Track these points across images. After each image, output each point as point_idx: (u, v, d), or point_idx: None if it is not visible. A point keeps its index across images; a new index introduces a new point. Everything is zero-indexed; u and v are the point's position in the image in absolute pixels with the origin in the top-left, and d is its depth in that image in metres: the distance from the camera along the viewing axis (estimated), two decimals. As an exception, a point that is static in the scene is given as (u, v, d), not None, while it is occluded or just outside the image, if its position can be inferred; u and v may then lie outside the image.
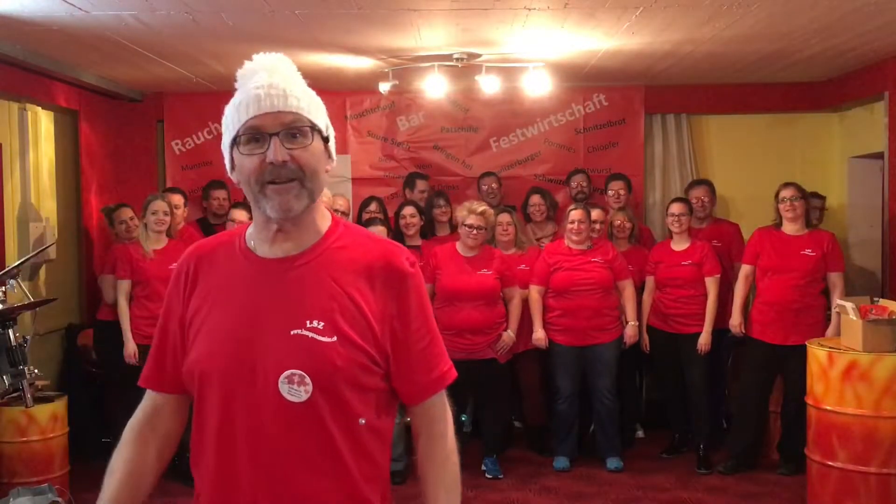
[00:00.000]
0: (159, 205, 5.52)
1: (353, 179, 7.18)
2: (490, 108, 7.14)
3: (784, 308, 5.44)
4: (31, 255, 5.09)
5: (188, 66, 5.91)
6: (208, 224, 6.48)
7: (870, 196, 6.76)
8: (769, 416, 5.75)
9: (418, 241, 6.08)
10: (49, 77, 5.88)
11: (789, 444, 5.52)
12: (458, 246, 5.62)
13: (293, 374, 1.62)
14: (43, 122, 6.08)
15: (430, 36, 5.10)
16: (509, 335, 5.58)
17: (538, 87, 6.03)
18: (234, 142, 1.67)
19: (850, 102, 6.75)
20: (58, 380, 6.01)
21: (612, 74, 6.57)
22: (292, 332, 1.64)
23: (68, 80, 6.07)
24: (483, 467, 5.59)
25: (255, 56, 1.71)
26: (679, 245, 5.89)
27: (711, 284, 5.75)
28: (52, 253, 5.93)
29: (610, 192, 6.56)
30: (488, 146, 7.23)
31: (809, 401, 4.83)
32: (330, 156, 1.74)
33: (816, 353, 4.76)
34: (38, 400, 4.77)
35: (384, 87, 6.13)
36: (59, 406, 5.13)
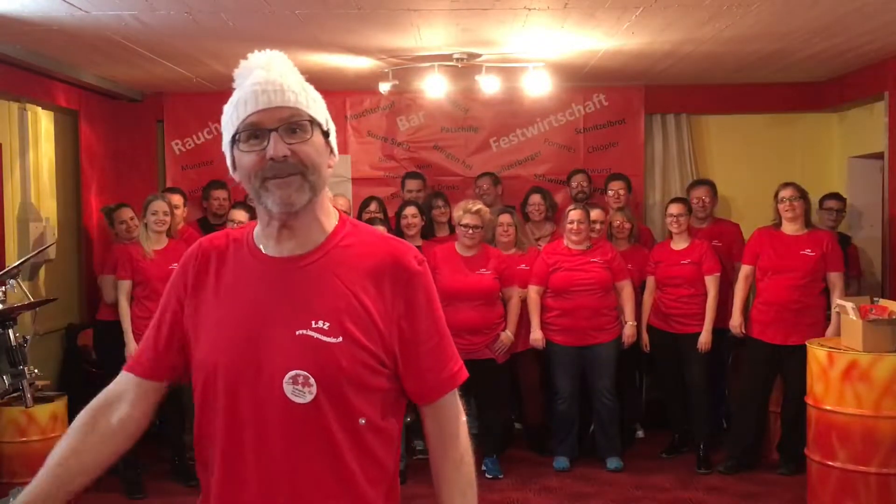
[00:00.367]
0: (159, 205, 5.51)
1: (353, 179, 7.19)
2: (490, 108, 7.14)
3: (784, 308, 5.44)
4: (31, 255, 5.10)
5: (188, 66, 5.91)
6: (208, 224, 6.48)
7: (870, 196, 6.76)
8: (769, 416, 5.75)
9: (419, 242, 6.08)
10: (49, 77, 5.88)
11: (789, 444, 5.51)
12: (457, 246, 5.63)
13: (298, 375, 1.61)
14: (43, 122, 6.08)
15: (430, 36, 5.10)
16: (507, 335, 5.58)
17: (538, 87, 6.03)
18: (234, 140, 1.67)
19: (850, 102, 6.75)
20: (58, 380, 6.01)
21: (612, 74, 6.57)
22: (298, 333, 1.63)
23: (68, 80, 6.07)
24: (483, 467, 5.59)
25: (250, 55, 1.71)
26: (679, 245, 5.89)
27: (711, 283, 5.75)
28: (52, 253, 5.93)
29: (610, 192, 6.56)
30: (488, 146, 7.23)
31: (809, 401, 4.83)
32: (332, 150, 1.73)
33: (816, 353, 4.76)
34: (38, 400, 4.78)
35: (384, 87, 6.13)
36: (59, 406, 5.13)
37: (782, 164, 7.01)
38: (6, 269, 4.49)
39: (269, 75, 1.65)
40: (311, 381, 1.61)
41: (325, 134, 1.71)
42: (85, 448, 1.70)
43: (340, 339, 1.63)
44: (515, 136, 7.23)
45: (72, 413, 5.24)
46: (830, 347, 4.73)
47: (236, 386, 1.65)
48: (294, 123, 1.64)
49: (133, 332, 5.39)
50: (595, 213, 5.95)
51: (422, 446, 5.52)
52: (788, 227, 5.53)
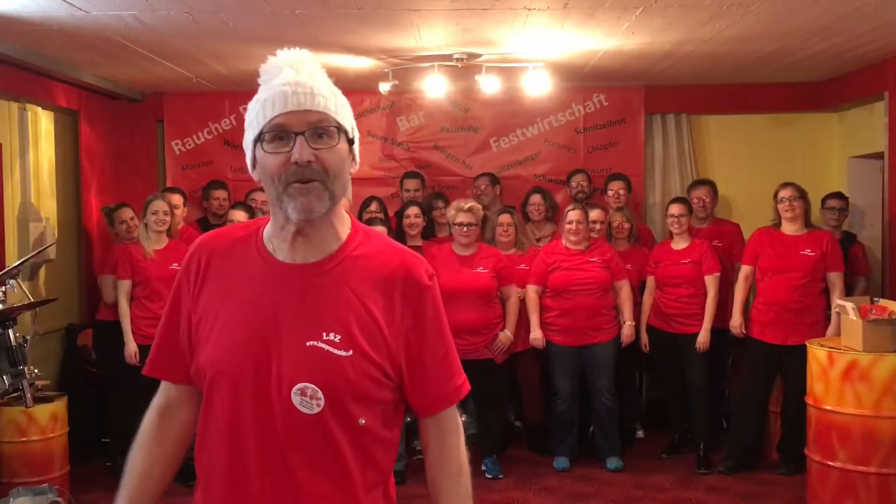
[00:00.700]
0: (159, 205, 5.52)
1: (354, 179, 7.03)
2: (490, 108, 7.14)
3: (784, 308, 5.44)
4: (31, 255, 5.09)
5: (188, 66, 5.91)
6: (208, 224, 6.48)
7: (870, 196, 6.76)
8: (769, 416, 5.75)
9: (419, 242, 6.08)
10: (49, 77, 5.88)
11: (789, 444, 5.51)
12: (454, 246, 5.64)
13: (306, 388, 1.60)
14: (43, 122, 6.08)
15: (430, 36, 5.10)
16: (506, 335, 5.58)
17: (538, 87, 6.02)
18: (258, 139, 1.64)
19: (850, 102, 6.75)
20: (58, 380, 6.01)
21: (612, 74, 6.57)
22: (308, 344, 1.62)
23: (68, 80, 6.07)
24: (483, 467, 5.59)
25: (278, 52, 1.68)
26: (679, 244, 5.89)
27: (711, 283, 5.75)
28: (52, 253, 5.93)
29: (610, 192, 6.56)
30: (488, 146, 7.24)
31: (809, 401, 4.83)
32: (354, 158, 1.71)
33: (816, 353, 4.76)
34: (38, 400, 4.77)
35: (384, 87, 6.13)
36: (59, 406, 5.13)
37: (782, 164, 7.01)
38: (6, 269, 4.49)
39: (298, 76, 1.63)
40: (319, 394, 1.60)
41: (350, 141, 1.69)
42: (163, 455, 1.78)
43: (350, 352, 1.62)
44: (515, 136, 7.23)
45: (72, 413, 5.25)
46: (830, 347, 4.73)
47: (243, 390, 1.64)
48: (321, 129, 1.62)
49: (133, 332, 5.40)
50: (594, 213, 5.95)
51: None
52: (788, 228, 5.53)
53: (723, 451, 5.84)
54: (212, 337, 1.68)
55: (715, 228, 6.33)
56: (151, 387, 1.85)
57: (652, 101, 7.16)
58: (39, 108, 6.02)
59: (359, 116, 7.21)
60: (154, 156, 7.27)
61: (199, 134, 7.14)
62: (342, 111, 1.67)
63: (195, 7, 4.29)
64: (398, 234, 6.09)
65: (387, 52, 5.59)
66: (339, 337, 1.62)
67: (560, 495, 5.33)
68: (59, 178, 6.29)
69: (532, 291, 5.75)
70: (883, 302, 4.77)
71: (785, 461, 5.59)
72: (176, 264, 4.95)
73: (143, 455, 1.78)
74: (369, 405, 1.65)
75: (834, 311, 5.20)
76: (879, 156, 6.27)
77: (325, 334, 1.62)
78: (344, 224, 1.73)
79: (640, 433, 6.46)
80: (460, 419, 1.82)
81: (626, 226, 6.19)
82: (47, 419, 5.01)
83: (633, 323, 5.81)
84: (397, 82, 6.12)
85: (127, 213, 5.82)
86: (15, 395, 4.03)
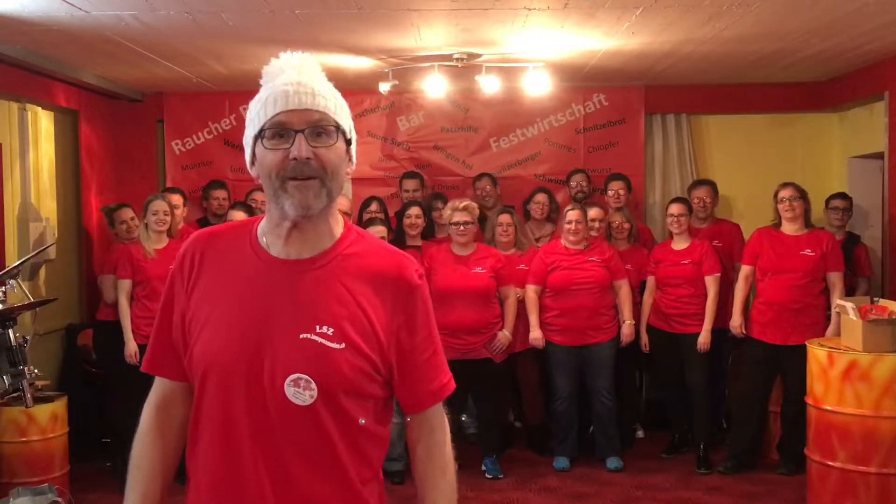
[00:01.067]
0: (159, 205, 5.52)
1: (353, 179, 7.16)
2: (490, 108, 7.14)
3: (784, 308, 5.44)
4: (31, 255, 5.09)
5: (188, 66, 5.91)
6: (208, 224, 6.48)
7: (870, 196, 6.75)
8: (769, 416, 5.75)
9: (419, 242, 6.08)
10: (49, 77, 5.88)
11: (789, 443, 5.52)
12: (452, 246, 5.64)
13: (299, 378, 1.63)
14: (43, 122, 6.08)
15: (430, 36, 5.10)
16: (505, 335, 5.58)
17: (538, 87, 6.02)
18: (258, 136, 1.68)
19: (850, 102, 6.75)
20: (58, 380, 6.01)
21: (612, 74, 6.57)
22: (301, 336, 1.65)
23: (68, 80, 6.08)
24: (483, 467, 5.59)
25: (281, 55, 1.73)
26: (679, 245, 5.89)
27: (711, 283, 5.75)
28: (52, 253, 5.93)
29: (610, 192, 6.56)
30: (488, 146, 7.24)
31: (809, 401, 4.83)
32: (350, 158, 1.75)
33: (816, 353, 4.76)
34: (38, 400, 4.77)
35: (384, 87, 6.13)
36: (59, 406, 5.13)
37: (782, 164, 7.01)
38: (6, 269, 4.49)
39: (300, 77, 1.68)
40: (312, 384, 1.63)
41: (348, 142, 1.73)
42: (167, 451, 1.80)
43: (343, 345, 1.65)
44: (515, 136, 7.23)
45: (72, 413, 5.25)
46: (830, 347, 4.73)
47: (236, 383, 1.66)
48: (320, 128, 1.67)
49: (133, 331, 5.40)
50: (592, 212, 5.95)
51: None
52: (788, 228, 5.53)
53: (723, 451, 5.84)
54: (205, 332, 1.70)
55: (715, 228, 6.33)
56: (151, 386, 1.86)
57: (652, 101, 7.16)
58: (39, 108, 6.02)
59: (359, 116, 7.31)
60: (154, 156, 7.27)
61: (199, 134, 7.13)
62: (341, 112, 1.71)
63: (195, 7, 4.29)
64: (398, 234, 6.09)
65: (387, 52, 5.59)
66: (331, 330, 1.65)
67: (560, 495, 5.33)
68: (59, 178, 6.29)
69: (531, 291, 5.75)
70: (883, 302, 4.78)
71: (785, 461, 5.59)
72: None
73: (147, 450, 1.79)
74: (361, 399, 1.68)
75: (834, 311, 5.20)
76: (879, 156, 6.27)
77: (318, 327, 1.65)
78: (338, 223, 1.77)
79: (640, 433, 6.46)
80: (446, 417, 1.85)
81: (626, 226, 6.19)
82: (47, 419, 5.01)
83: (633, 322, 5.81)
84: (397, 82, 6.12)
85: (127, 213, 5.83)
86: (15, 395, 4.03)
